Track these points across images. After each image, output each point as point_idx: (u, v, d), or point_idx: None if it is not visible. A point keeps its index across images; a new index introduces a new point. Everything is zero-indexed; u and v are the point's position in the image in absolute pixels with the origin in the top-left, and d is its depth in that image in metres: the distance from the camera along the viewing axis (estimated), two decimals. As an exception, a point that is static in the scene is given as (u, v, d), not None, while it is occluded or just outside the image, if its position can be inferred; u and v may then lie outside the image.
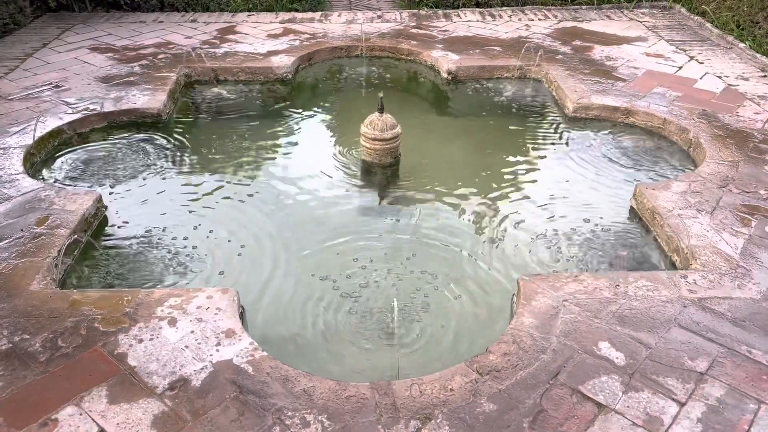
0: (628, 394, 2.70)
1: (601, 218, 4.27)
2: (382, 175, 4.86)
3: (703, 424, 2.57)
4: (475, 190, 4.66)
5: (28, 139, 4.88)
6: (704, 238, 3.74)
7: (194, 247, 3.96)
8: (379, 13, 8.66)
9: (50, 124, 5.18)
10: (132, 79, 6.18)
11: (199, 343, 2.95)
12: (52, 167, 4.87)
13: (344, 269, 3.79)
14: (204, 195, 4.58)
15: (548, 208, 4.41)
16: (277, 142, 5.46)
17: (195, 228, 4.17)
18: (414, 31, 7.80)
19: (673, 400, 2.67)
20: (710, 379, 2.78)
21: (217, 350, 2.91)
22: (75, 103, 5.59)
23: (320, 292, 3.62)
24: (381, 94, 4.75)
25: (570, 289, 3.30)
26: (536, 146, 5.34)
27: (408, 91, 6.69)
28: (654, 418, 2.58)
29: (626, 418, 2.58)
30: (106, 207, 4.30)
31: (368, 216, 4.39)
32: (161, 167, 4.93)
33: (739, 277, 3.42)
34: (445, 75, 6.63)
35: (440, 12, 8.70)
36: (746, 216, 3.96)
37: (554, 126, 5.67)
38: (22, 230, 3.79)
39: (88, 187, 4.59)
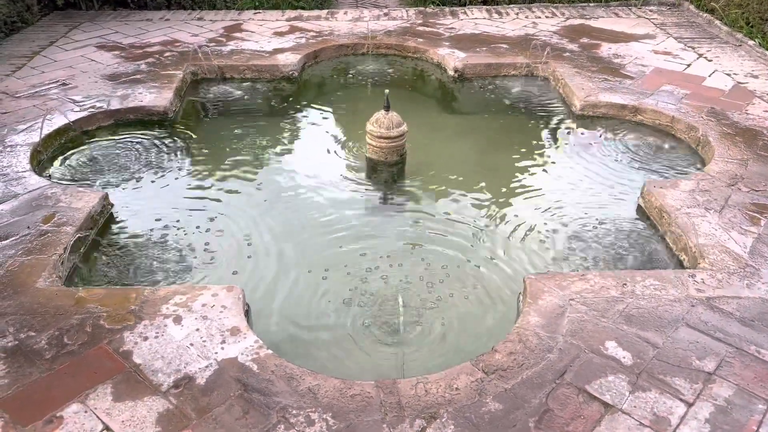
0: (635, 393, 2.67)
1: (609, 216, 4.24)
2: (387, 173, 4.84)
3: (711, 424, 2.54)
4: (481, 189, 4.64)
5: (35, 137, 4.89)
6: (712, 236, 3.71)
7: (206, 244, 3.96)
8: (385, 10, 8.64)
9: (57, 122, 5.19)
10: (138, 77, 6.19)
11: (204, 341, 2.95)
12: (59, 165, 4.88)
13: (350, 266, 3.78)
14: (210, 192, 4.58)
15: (555, 206, 4.38)
16: (283, 140, 5.46)
17: (199, 226, 4.16)
18: (420, 28, 7.77)
19: (681, 400, 2.65)
20: (718, 379, 2.75)
21: (222, 348, 2.91)
22: (82, 101, 5.60)
23: (324, 288, 3.61)
24: (387, 92, 4.73)
25: (576, 287, 3.28)
26: (543, 144, 5.31)
27: (414, 89, 6.67)
28: (661, 418, 2.56)
29: (633, 418, 2.56)
30: (112, 204, 4.31)
31: (374, 214, 4.38)
32: (168, 165, 4.93)
33: (748, 276, 3.39)
34: (451, 73, 6.61)
35: (447, 9, 8.67)
36: (755, 215, 3.93)
37: (561, 124, 5.64)
38: (28, 228, 3.80)
39: (95, 184, 4.60)
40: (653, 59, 6.67)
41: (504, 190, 4.63)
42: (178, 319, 3.08)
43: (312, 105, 6.16)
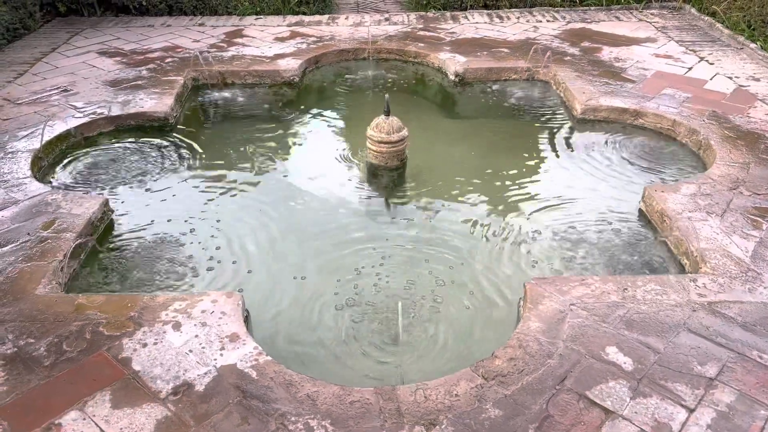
0: (636, 399, 2.66)
1: (610, 221, 4.23)
2: (388, 178, 4.84)
3: (712, 430, 2.52)
4: (482, 193, 4.63)
5: (36, 143, 4.90)
6: (714, 241, 3.69)
7: (206, 250, 3.96)
8: (386, 15, 8.65)
9: (58, 128, 5.20)
10: (140, 83, 6.20)
11: (203, 348, 2.94)
12: (60, 171, 4.89)
13: (350, 272, 3.77)
14: (210, 199, 4.58)
15: (556, 211, 4.37)
16: (284, 145, 5.46)
17: (199, 232, 4.16)
18: (421, 33, 7.78)
19: (682, 406, 2.63)
20: (720, 385, 2.73)
21: (221, 355, 2.90)
22: (83, 107, 5.61)
23: (324, 294, 3.60)
24: (387, 97, 4.73)
25: (577, 292, 3.27)
26: (544, 148, 5.30)
27: (415, 93, 6.67)
28: (662, 424, 2.54)
29: (634, 424, 2.54)
30: (112, 211, 4.31)
31: (375, 219, 4.37)
32: (168, 171, 4.93)
33: (750, 281, 3.37)
34: (452, 77, 6.61)
35: (448, 14, 8.67)
36: (757, 218, 3.91)
37: (562, 128, 5.62)
38: (28, 234, 3.80)
39: (95, 190, 4.60)
40: (654, 63, 6.66)
41: (505, 194, 4.62)
42: (177, 326, 3.07)
43: (313, 110, 6.17)
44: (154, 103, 5.71)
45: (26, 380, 2.78)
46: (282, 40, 7.54)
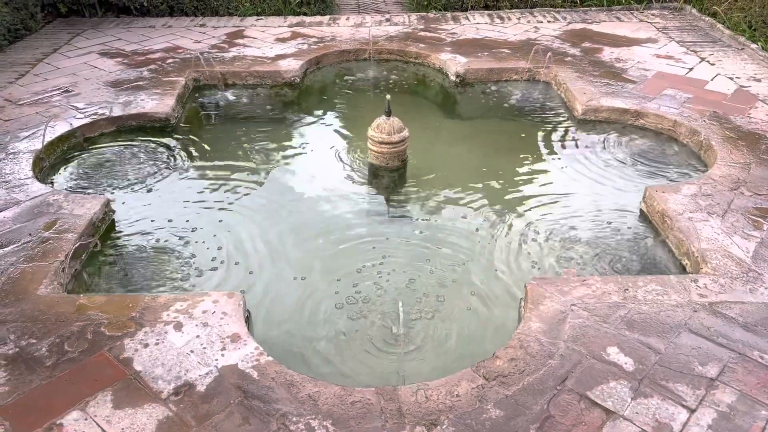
0: (637, 400, 2.66)
1: (611, 221, 4.23)
2: (389, 178, 4.84)
3: (713, 430, 2.53)
4: (483, 194, 4.63)
5: (38, 144, 4.91)
6: (715, 241, 3.69)
7: (208, 250, 3.97)
8: (387, 16, 8.65)
9: (59, 128, 5.21)
10: (141, 83, 6.21)
11: (204, 348, 2.94)
12: (61, 172, 4.89)
13: (350, 272, 3.77)
14: (211, 199, 4.58)
15: (556, 211, 4.37)
16: (285, 146, 5.46)
17: (200, 232, 4.17)
18: (422, 33, 7.78)
19: (683, 406, 2.63)
20: (721, 385, 2.73)
21: (222, 355, 2.90)
22: (84, 108, 5.61)
23: (325, 294, 3.61)
24: (388, 97, 4.74)
25: (578, 293, 3.27)
26: (545, 149, 5.30)
27: (416, 94, 6.68)
28: (663, 424, 2.55)
29: (635, 424, 2.54)
30: (114, 211, 4.31)
31: (375, 220, 4.37)
32: (169, 172, 4.94)
33: (751, 281, 3.37)
34: (453, 78, 6.61)
35: (449, 14, 8.68)
36: (758, 219, 3.91)
37: (563, 128, 5.62)
38: (30, 234, 3.80)
39: (96, 191, 4.61)
40: (655, 63, 6.66)
41: (505, 195, 4.62)
42: (178, 326, 3.07)
43: (314, 111, 6.17)
44: (156, 103, 5.72)
45: (28, 380, 2.79)
46: (283, 40, 7.55)
